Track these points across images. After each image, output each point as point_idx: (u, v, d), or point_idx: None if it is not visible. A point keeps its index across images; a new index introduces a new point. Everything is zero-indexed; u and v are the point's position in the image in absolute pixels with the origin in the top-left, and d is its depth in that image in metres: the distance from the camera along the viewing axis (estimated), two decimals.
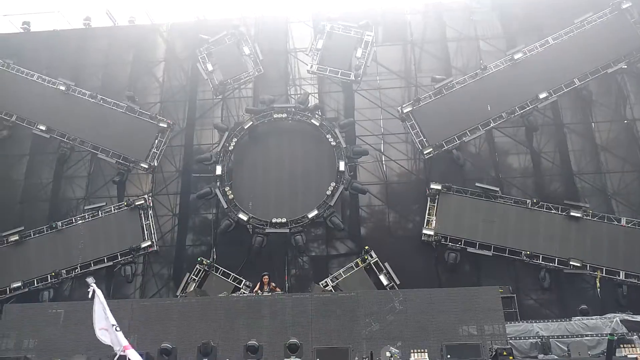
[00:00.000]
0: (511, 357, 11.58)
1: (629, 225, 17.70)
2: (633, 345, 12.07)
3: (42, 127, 20.42)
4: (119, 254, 18.76)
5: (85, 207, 19.88)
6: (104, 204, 19.87)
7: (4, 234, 19.12)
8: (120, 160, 19.97)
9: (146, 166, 19.96)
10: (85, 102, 20.71)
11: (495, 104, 19.24)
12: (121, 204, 19.70)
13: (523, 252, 17.54)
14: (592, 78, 19.38)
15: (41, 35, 22.69)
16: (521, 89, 19.33)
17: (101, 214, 19.54)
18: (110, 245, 18.93)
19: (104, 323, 6.54)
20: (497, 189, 18.68)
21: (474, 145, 20.48)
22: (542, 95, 19.10)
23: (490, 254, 17.73)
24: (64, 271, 18.57)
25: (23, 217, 20.00)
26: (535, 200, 18.26)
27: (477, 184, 18.76)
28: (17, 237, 19.02)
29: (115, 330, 6.51)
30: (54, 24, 23.30)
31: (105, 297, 17.79)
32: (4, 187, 20.88)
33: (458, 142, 19.18)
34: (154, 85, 23.00)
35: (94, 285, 6.88)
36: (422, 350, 11.92)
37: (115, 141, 20.15)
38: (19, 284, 18.39)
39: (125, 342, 6.52)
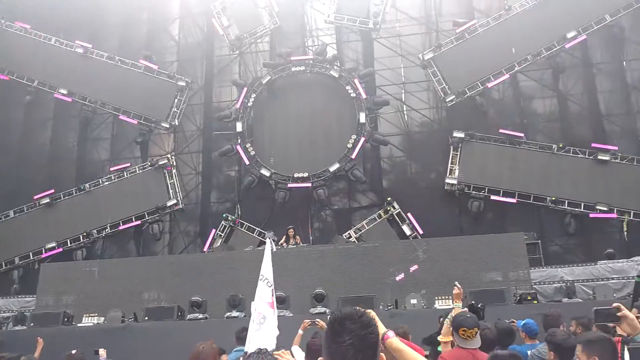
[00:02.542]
0: (535, 302, 11.65)
1: None
2: None
3: (63, 91, 20.59)
4: (146, 213, 19.19)
5: (111, 169, 20.25)
6: (129, 164, 20.21)
7: (35, 197, 19.69)
8: (141, 121, 20.13)
9: (167, 126, 20.09)
10: (104, 64, 20.72)
11: (520, 46, 18.50)
12: (145, 164, 20.01)
13: (548, 198, 17.28)
14: (624, 13, 18.30)
15: None
16: (548, 29, 18.48)
17: (126, 174, 19.93)
18: (137, 204, 19.35)
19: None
20: (522, 134, 18.26)
21: (497, 91, 19.91)
22: (570, 35, 18.26)
23: (515, 201, 17.55)
24: (94, 231, 19.15)
25: (51, 179, 20.45)
26: (561, 145, 17.81)
27: (500, 131, 18.36)
28: (48, 200, 19.58)
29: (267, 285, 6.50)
30: None
31: (135, 255, 18.48)
32: (32, 151, 21.34)
33: (481, 88, 18.66)
34: (171, 43, 22.83)
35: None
36: (447, 297, 12.04)
37: (136, 102, 20.25)
38: (53, 244, 19.02)
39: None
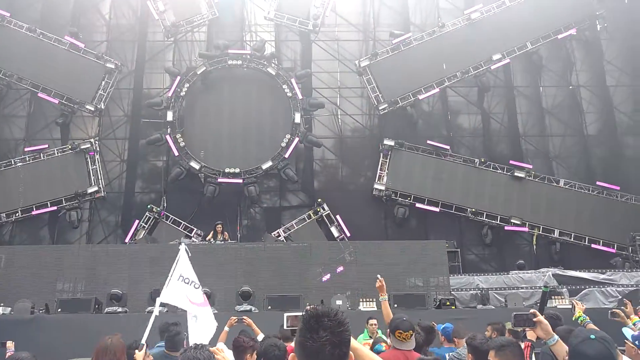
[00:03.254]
0: (453, 307, 12.28)
1: (566, 187, 18.78)
2: (562, 297, 13.08)
3: None
4: (63, 199, 18.07)
5: (26, 149, 18.82)
6: (47, 146, 18.91)
7: None
8: (63, 101, 18.90)
9: (92, 108, 19.03)
10: (23, 36, 19.24)
11: (450, 62, 19.47)
12: (65, 147, 18.81)
13: (468, 209, 18.30)
14: (543, 42, 19.92)
15: None
16: (476, 49, 19.63)
17: (43, 156, 18.62)
18: (53, 189, 18.19)
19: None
20: (448, 147, 19.21)
21: (427, 104, 20.79)
22: (496, 57, 19.51)
23: (438, 210, 18.40)
24: (3, 215, 17.73)
25: None
26: (482, 160, 18.95)
27: (428, 142, 19.19)
28: None
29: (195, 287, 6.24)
30: None
31: (48, 243, 17.26)
32: None
33: (412, 99, 19.41)
34: (100, 22, 21.63)
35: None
36: (371, 299, 12.38)
37: (58, 80, 19.00)
38: None
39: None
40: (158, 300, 6.06)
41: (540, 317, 3.77)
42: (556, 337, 3.75)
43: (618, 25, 20.74)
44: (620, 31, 20.85)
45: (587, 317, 5.72)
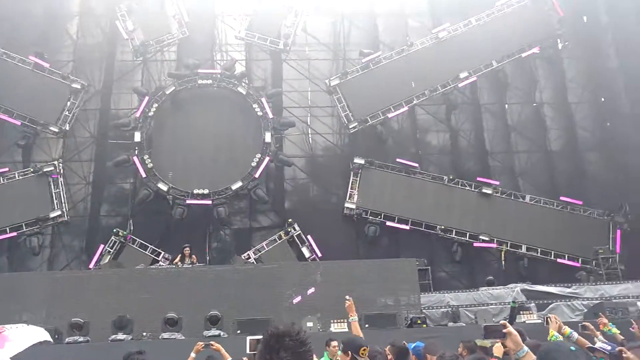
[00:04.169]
0: (424, 325, 12.25)
1: (532, 202, 19.10)
2: (531, 312, 13.20)
3: None
4: (23, 224, 17.52)
5: None
6: (7, 169, 18.37)
7: None
8: (26, 122, 18.43)
9: (56, 130, 18.61)
10: None
11: (419, 81, 19.76)
12: (27, 170, 18.31)
13: (438, 226, 18.41)
14: (508, 61, 20.39)
15: None
16: (444, 67, 19.96)
17: (3, 180, 18.06)
18: (13, 214, 17.61)
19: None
20: (417, 165, 19.38)
21: (396, 122, 20.99)
22: (463, 75, 19.86)
23: (408, 228, 18.46)
24: None
25: None
26: (451, 177, 19.15)
27: (397, 160, 19.33)
28: None
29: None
30: None
31: (7, 271, 16.50)
32: None
33: (382, 117, 19.55)
34: (67, 42, 21.28)
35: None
36: (342, 321, 12.25)
37: (22, 101, 18.58)
38: None
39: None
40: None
41: (510, 328, 3.80)
42: (526, 348, 3.75)
43: (578, 44, 21.42)
44: (580, 49, 21.53)
45: (560, 337, 5.72)
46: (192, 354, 6.85)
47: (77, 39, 21.11)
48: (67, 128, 18.77)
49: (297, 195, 20.62)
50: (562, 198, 19.02)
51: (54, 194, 18.04)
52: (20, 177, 18.24)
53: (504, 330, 3.78)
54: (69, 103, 18.85)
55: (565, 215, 18.88)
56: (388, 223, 18.41)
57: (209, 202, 17.85)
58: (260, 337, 4.20)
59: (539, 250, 18.35)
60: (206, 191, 17.88)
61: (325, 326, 12.41)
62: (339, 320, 12.35)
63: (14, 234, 17.45)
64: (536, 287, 15.46)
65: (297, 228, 18.29)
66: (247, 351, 4.36)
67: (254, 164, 18.20)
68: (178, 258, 15.18)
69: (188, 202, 17.79)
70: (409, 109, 20.01)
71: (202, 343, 7.19)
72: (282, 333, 2.30)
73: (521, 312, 13.01)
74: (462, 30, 20.44)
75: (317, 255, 17.86)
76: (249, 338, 4.39)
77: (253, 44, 20.66)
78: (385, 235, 18.98)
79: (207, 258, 17.67)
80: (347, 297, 6.23)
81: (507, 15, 20.61)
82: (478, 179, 19.20)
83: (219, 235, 19.33)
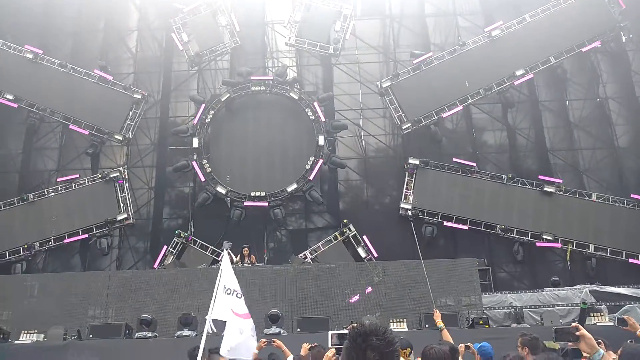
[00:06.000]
0: (487, 326, 11.93)
1: (599, 200, 18.24)
2: (602, 314, 12.57)
3: (9, 96, 19.57)
4: (94, 226, 18.39)
5: (58, 179, 19.32)
6: (77, 176, 19.37)
7: None
8: (93, 132, 19.42)
9: (120, 138, 19.49)
10: (55, 71, 19.93)
11: (472, 80, 19.37)
12: (95, 176, 19.26)
13: (498, 226, 17.92)
14: (567, 56, 19.67)
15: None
16: (498, 65, 19.50)
17: (74, 186, 19.08)
18: (84, 217, 18.53)
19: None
20: (474, 164, 18.96)
21: (451, 122, 20.69)
22: (519, 72, 19.31)
23: (466, 228, 18.07)
24: (37, 243, 18.11)
25: None
26: (510, 176, 18.61)
27: (454, 159, 18.99)
28: None
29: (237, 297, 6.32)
30: None
31: (80, 270, 17.51)
32: None
33: (436, 117, 19.29)
34: (127, 55, 22.35)
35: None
36: (401, 320, 12.15)
37: (88, 112, 19.54)
38: None
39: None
40: (208, 318, 6.10)
41: (584, 331, 3.59)
42: (602, 351, 3.57)
43: None
44: None
45: None
46: (255, 350, 7.03)
47: (136, 52, 22.13)
48: (130, 136, 19.62)
49: (350, 196, 20.64)
50: (632, 196, 18.03)
51: (120, 198, 18.84)
52: (90, 183, 19.14)
53: (577, 333, 3.60)
54: (131, 112, 19.68)
55: (636, 214, 17.89)
56: (446, 223, 18.07)
57: (266, 204, 18.14)
58: (340, 332, 4.24)
59: (608, 250, 17.47)
60: (263, 193, 18.19)
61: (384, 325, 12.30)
62: (398, 320, 12.27)
63: (86, 235, 18.32)
64: (606, 288, 14.77)
65: (352, 228, 18.26)
66: (330, 344, 4.42)
67: (307, 166, 18.39)
68: (237, 258, 15.51)
69: (245, 204, 18.15)
70: (463, 108, 19.65)
71: (264, 340, 7.39)
72: (368, 331, 2.22)
73: (592, 314, 12.44)
74: (515, 27, 19.93)
75: (373, 255, 17.77)
76: (330, 333, 4.45)
77: (303, 50, 20.92)
78: (443, 236, 18.66)
79: (265, 258, 17.93)
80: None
81: (564, 11, 19.92)
82: (539, 177, 18.55)
83: (276, 236, 19.62)
